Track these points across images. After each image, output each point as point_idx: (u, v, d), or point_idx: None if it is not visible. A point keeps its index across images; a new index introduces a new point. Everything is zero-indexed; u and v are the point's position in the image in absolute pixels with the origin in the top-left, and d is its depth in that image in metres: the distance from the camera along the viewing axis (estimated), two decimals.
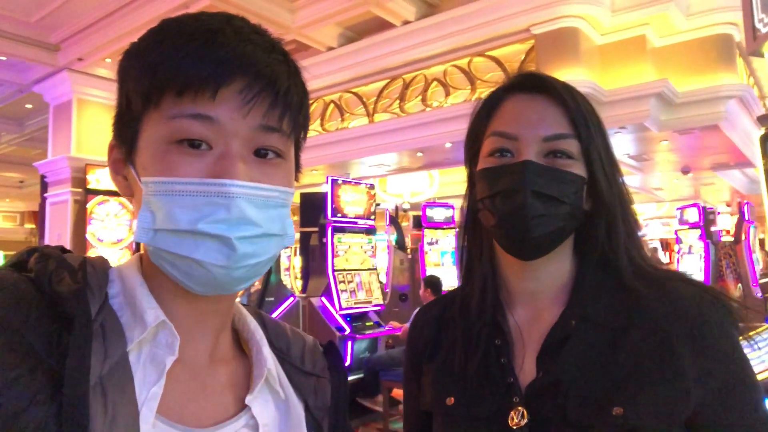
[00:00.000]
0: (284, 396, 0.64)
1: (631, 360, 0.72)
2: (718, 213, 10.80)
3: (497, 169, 0.79)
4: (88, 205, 7.20)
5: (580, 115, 0.79)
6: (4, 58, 7.25)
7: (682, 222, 9.59)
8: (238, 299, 0.68)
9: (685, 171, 8.21)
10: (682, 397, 0.69)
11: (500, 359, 0.79)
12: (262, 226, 0.54)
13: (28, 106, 9.12)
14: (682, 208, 9.71)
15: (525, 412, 0.74)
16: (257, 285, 5.44)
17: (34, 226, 14.77)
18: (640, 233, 0.85)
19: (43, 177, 8.03)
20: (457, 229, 8.80)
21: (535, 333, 0.80)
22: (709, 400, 0.70)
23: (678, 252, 9.58)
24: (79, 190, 7.36)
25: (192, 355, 0.59)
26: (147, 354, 0.54)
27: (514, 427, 0.73)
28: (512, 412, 0.74)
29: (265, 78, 0.54)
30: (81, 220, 7.25)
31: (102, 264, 0.59)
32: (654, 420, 0.68)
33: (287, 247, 0.61)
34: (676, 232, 9.85)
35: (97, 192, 7.26)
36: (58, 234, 7.45)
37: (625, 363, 0.72)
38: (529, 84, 0.83)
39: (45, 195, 7.94)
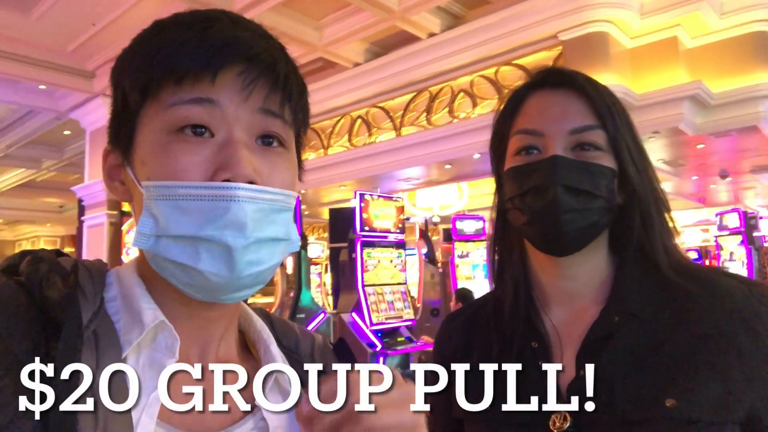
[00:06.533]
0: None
1: (680, 355, 0.70)
2: (761, 218, 10.41)
3: (526, 167, 0.78)
4: (123, 227, 7.37)
5: (604, 105, 0.78)
6: (43, 87, 7.54)
7: (721, 228, 9.29)
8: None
9: (723, 175, 7.97)
10: (735, 393, 0.67)
11: (538, 362, 0.77)
12: (268, 231, 0.52)
13: (66, 132, 9.45)
14: (721, 214, 9.41)
15: (567, 415, 0.71)
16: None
17: (73, 249, 15.20)
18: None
19: (80, 201, 8.28)
20: (487, 242, 8.70)
21: (574, 333, 0.78)
22: (763, 399, 0.68)
23: (718, 259, 9.27)
24: (115, 212, 7.56)
25: (195, 359, 0.57)
26: (146, 358, 0.52)
27: (556, 431, 0.71)
28: (553, 416, 0.72)
29: (264, 62, 0.53)
30: (116, 241, 7.43)
31: (99, 267, 0.56)
32: (708, 413, 0.66)
33: (292, 253, 0.59)
34: (716, 239, 9.54)
35: (131, 214, 7.42)
36: (94, 256, 7.63)
37: (674, 358, 0.70)
38: (550, 79, 0.83)
39: (82, 218, 8.18)
